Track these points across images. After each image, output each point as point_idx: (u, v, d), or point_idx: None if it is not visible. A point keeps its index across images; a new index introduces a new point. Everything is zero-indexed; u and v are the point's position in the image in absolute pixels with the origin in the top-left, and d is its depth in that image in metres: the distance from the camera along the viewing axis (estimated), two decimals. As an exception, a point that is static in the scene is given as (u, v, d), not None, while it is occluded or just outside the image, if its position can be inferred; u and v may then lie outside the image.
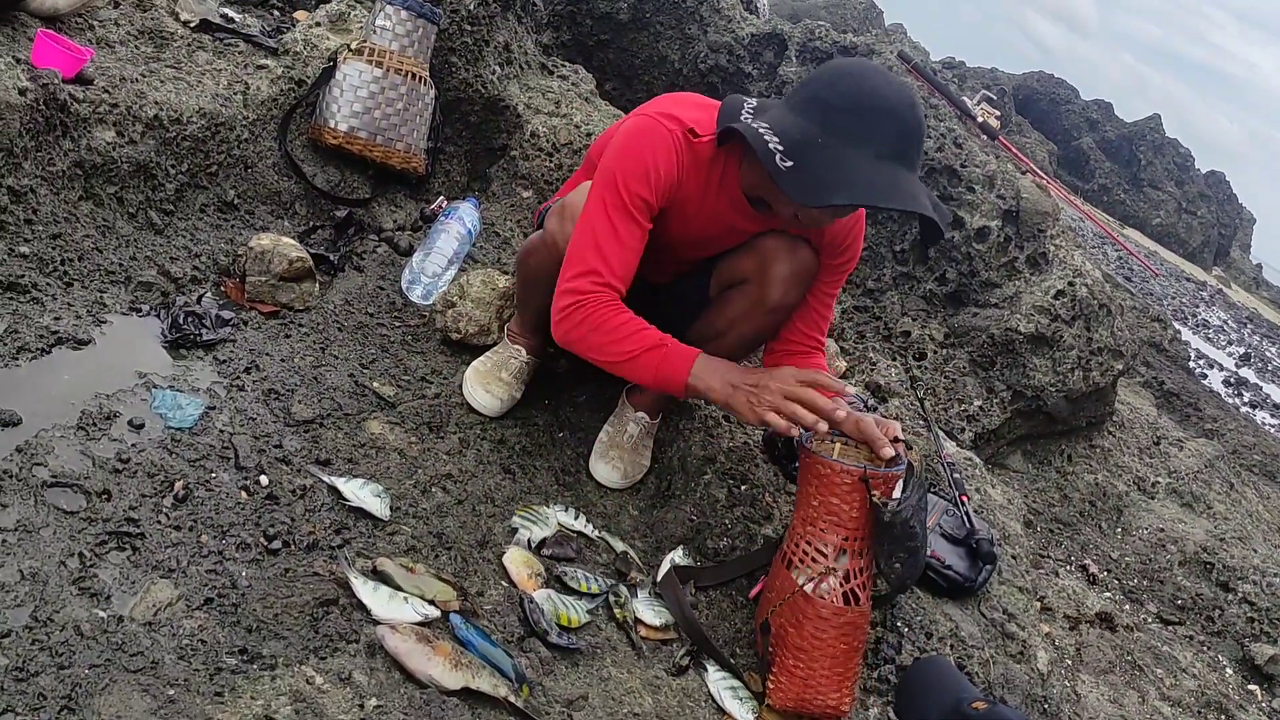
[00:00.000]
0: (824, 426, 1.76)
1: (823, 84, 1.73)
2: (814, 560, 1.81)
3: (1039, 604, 2.94)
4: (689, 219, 1.99)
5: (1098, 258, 10.17)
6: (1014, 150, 4.14)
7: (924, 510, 1.81)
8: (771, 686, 1.86)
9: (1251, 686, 3.21)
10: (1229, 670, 3.24)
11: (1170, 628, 3.37)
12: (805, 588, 1.81)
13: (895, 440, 1.84)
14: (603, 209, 1.85)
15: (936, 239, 1.80)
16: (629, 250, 1.86)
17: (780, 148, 1.68)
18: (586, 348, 1.87)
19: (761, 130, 1.72)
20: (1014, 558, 2.69)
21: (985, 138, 4.04)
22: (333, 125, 2.79)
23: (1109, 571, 3.59)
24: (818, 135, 1.68)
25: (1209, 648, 3.33)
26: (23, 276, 1.96)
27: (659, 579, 2.04)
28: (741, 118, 1.80)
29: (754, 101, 1.87)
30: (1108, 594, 3.43)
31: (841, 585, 1.80)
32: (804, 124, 1.70)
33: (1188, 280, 17.68)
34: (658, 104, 1.94)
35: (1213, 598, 3.52)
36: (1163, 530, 3.81)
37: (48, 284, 2.01)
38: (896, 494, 1.78)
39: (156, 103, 2.39)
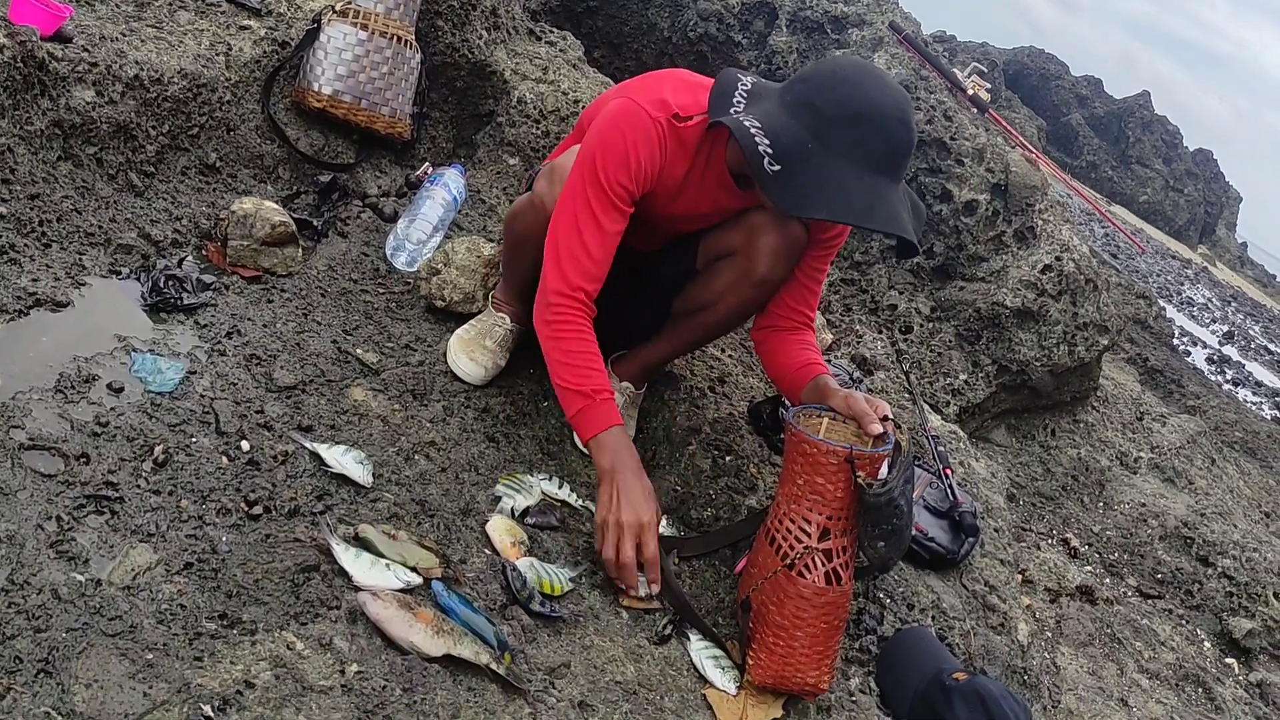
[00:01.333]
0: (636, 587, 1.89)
1: (818, 87, 1.72)
2: (797, 539, 1.81)
3: (1020, 576, 2.96)
4: (675, 199, 1.99)
5: (1085, 234, 10.18)
6: (1004, 124, 4.12)
7: (911, 489, 1.81)
8: (751, 663, 1.86)
9: (1229, 660, 3.25)
10: (1207, 644, 3.28)
11: (1150, 601, 3.40)
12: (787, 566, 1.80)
13: (884, 419, 1.84)
14: (585, 199, 1.87)
15: (911, 254, 1.81)
16: (610, 238, 1.90)
17: (770, 151, 1.69)
18: (544, 352, 1.96)
19: (753, 130, 1.71)
20: (996, 531, 2.71)
21: (975, 110, 4.02)
22: (316, 88, 2.74)
23: (1090, 545, 3.62)
24: (807, 141, 1.68)
25: (1188, 621, 3.36)
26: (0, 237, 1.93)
27: (643, 548, 2.04)
28: (734, 101, 1.80)
29: (749, 82, 1.85)
30: (1088, 567, 3.46)
31: (824, 564, 1.80)
32: (795, 127, 1.70)
33: (1173, 258, 17.75)
34: (645, 86, 1.93)
35: (1192, 572, 3.55)
36: (1144, 505, 3.84)
37: (25, 245, 1.98)
38: (883, 474, 1.78)
39: (137, 62, 2.34)
